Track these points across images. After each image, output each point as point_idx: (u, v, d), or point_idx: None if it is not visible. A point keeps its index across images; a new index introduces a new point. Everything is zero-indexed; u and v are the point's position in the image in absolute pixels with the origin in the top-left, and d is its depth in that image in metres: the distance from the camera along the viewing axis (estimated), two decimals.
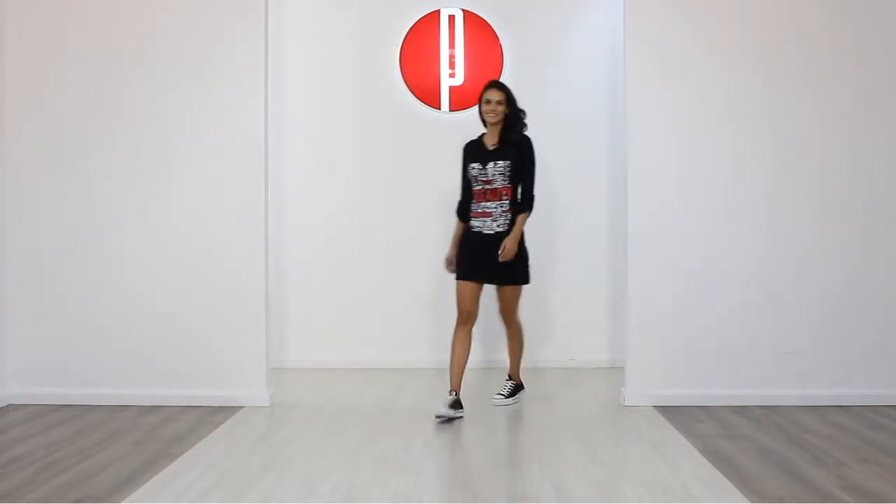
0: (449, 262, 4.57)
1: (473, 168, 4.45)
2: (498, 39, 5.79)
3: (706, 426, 4.10)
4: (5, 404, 4.57)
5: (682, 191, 4.58)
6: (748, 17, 4.60)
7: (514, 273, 4.44)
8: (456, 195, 4.60)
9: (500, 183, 4.39)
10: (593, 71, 5.77)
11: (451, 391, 4.31)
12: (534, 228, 5.72)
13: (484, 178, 4.42)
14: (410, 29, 5.79)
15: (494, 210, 4.41)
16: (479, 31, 5.78)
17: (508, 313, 4.56)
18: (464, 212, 4.54)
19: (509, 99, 4.43)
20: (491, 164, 4.40)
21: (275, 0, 5.24)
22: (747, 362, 4.56)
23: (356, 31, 5.85)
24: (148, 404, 4.52)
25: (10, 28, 4.63)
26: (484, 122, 4.50)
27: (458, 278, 4.47)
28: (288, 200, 5.78)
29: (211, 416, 4.30)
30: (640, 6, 4.58)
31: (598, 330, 5.77)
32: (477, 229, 4.45)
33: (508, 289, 4.48)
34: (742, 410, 4.39)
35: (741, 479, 3.26)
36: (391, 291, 5.78)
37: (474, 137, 4.54)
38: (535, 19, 5.80)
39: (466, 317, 4.40)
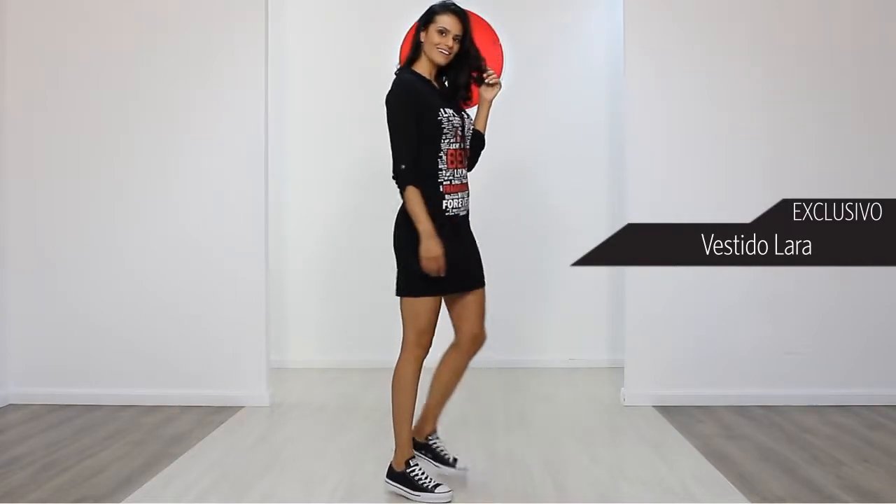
0: (437, 259, 2.98)
1: (452, 117, 3.09)
2: (498, 39, 5.78)
3: (706, 426, 4.10)
4: (5, 404, 4.57)
5: (682, 190, 4.58)
6: (748, 17, 4.60)
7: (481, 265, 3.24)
8: None
9: (469, 143, 3.20)
10: (593, 71, 5.77)
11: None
12: (533, 227, 5.76)
13: (461, 133, 3.13)
14: (411, 29, 5.79)
15: (468, 182, 3.17)
16: (479, 31, 5.75)
17: (481, 327, 3.22)
18: (419, 178, 3.04)
19: (467, 33, 3.15)
20: (465, 114, 3.18)
21: (275, 0, 5.24)
22: (747, 362, 4.56)
23: (356, 31, 5.84)
24: (148, 404, 4.52)
25: (11, 28, 4.63)
26: (413, 57, 3.18)
27: (431, 292, 3.06)
28: (288, 200, 5.78)
29: (211, 416, 4.30)
30: (639, 6, 4.58)
31: (598, 330, 5.76)
32: (453, 212, 3.10)
33: (482, 290, 3.23)
34: (742, 410, 4.39)
35: (741, 479, 3.26)
36: (392, 291, 5.75)
37: (405, 71, 3.19)
38: (535, 19, 5.80)
39: (429, 345, 3.13)
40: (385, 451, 3.64)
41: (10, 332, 4.65)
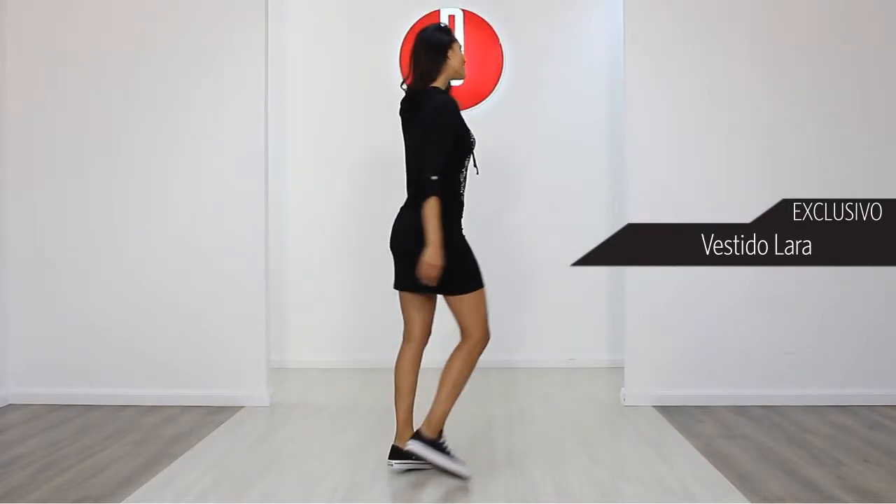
0: (440, 269, 3.21)
1: (473, 142, 3.40)
2: (498, 39, 5.78)
3: (706, 426, 4.10)
4: (5, 404, 4.57)
5: (682, 190, 4.58)
6: (748, 17, 4.60)
7: None
8: None
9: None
10: (593, 71, 5.77)
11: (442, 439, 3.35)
12: (533, 227, 5.76)
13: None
14: (410, 29, 5.79)
15: None
16: (479, 31, 5.78)
17: None
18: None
19: None
20: None
21: (275, 0, 5.24)
22: (747, 362, 4.56)
23: (356, 31, 5.85)
24: (148, 404, 4.52)
25: (11, 29, 4.63)
26: (435, 76, 3.37)
27: (482, 285, 3.37)
28: (288, 200, 5.78)
29: (211, 416, 4.30)
30: (639, 6, 4.58)
31: (598, 330, 5.77)
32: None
33: None
34: (742, 410, 4.39)
35: (741, 479, 3.26)
36: (392, 291, 5.76)
37: (440, 92, 3.38)
38: (535, 19, 5.80)
39: None
40: (385, 451, 3.64)
41: (10, 332, 4.65)
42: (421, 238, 3.22)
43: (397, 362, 3.48)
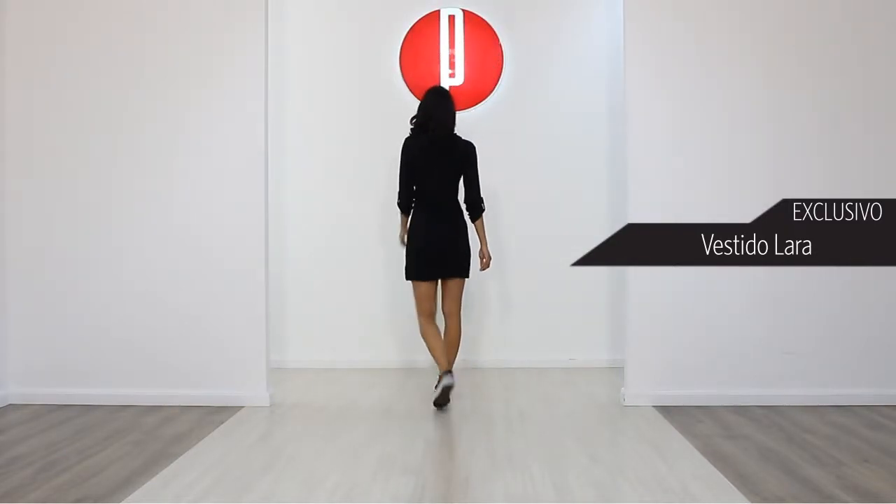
0: None
1: None
2: (498, 39, 5.79)
3: (706, 426, 4.10)
4: (5, 404, 4.57)
5: (682, 190, 4.58)
6: (748, 17, 4.60)
7: None
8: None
9: None
10: (593, 71, 5.77)
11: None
12: (534, 228, 5.76)
13: None
14: (410, 29, 5.79)
15: None
16: (479, 31, 5.78)
17: None
18: None
19: None
20: None
21: (275, 0, 5.24)
22: (747, 362, 4.56)
23: (356, 31, 5.85)
24: (148, 404, 4.52)
25: (11, 28, 4.63)
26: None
27: None
28: (288, 201, 5.78)
29: (211, 416, 4.30)
30: (639, 6, 4.58)
31: (598, 330, 5.77)
32: None
33: None
34: (742, 410, 4.39)
35: (741, 479, 3.26)
36: (391, 291, 5.78)
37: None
38: (535, 19, 5.80)
39: None
40: (385, 450, 3.65)
41: (10, 332, 4.65)
42: (468, 241, 4.61)
43: (428, 333, 4.56)
